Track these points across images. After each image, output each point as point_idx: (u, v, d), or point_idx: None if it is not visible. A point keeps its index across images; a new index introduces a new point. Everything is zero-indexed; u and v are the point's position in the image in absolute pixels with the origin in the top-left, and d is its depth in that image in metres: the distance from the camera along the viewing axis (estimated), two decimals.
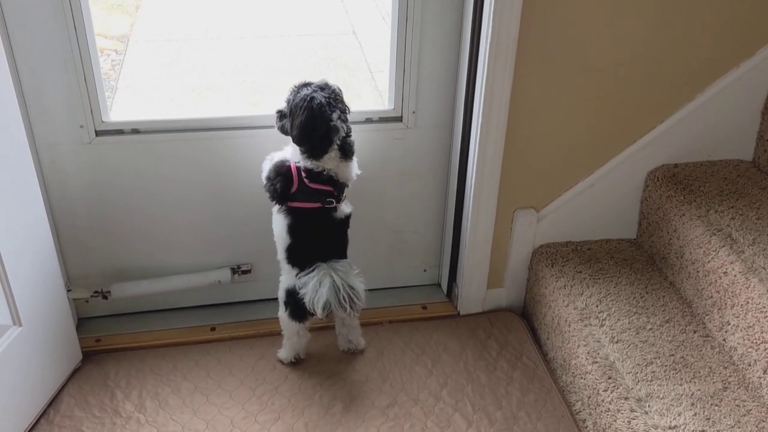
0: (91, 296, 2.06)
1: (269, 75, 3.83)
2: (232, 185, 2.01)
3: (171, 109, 3.51)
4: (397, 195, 2.13)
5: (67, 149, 1.87)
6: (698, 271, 1.84)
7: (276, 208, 1.79)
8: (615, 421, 1.63)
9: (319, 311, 1.71)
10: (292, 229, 1.77)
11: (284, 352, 1.97)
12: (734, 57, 1.93)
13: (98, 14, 4.40)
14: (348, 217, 1.83)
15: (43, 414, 1.81)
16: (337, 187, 1.76)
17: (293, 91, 1.73)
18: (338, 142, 1.71)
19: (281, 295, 1.87)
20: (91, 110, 1.83)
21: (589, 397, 1.76)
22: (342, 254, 1.83)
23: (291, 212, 1.76)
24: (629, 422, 1.59)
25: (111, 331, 2.07)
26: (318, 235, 1.78)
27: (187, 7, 4.72)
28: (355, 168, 1.80)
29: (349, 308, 1.72)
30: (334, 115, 1.68)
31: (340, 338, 2.01)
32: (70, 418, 1.80)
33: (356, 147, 1.95)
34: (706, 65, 1.93)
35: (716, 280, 1.77)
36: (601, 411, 1.69)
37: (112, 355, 1.99)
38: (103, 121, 1.87)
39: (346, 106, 1.75)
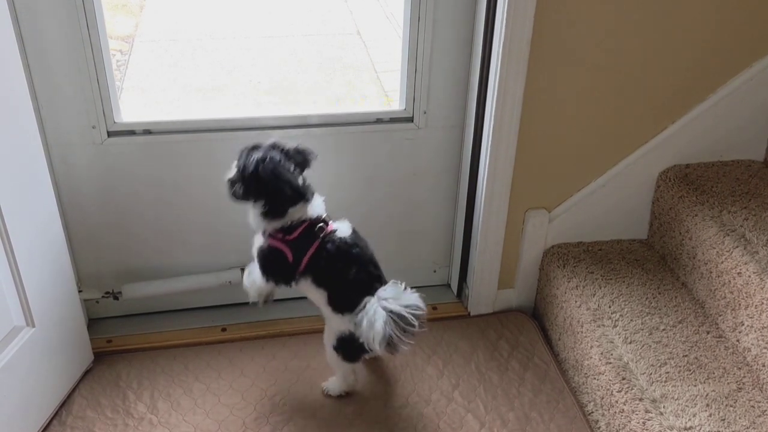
0: (102, 297, 2.06)
1: (274, 75, 3.83)
2: None
3: (177, 110, 3.51)
4: (407, 195, 2.12)
5: (79, 150, 1.87)
6: (711, 272, 1.84)
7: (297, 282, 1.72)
8: (629, 422, 1.63)
9: (379, 349, 1.58)
10: (318, 281, 1.69)
11: (336, 386, 1.87)
12: (746, 57, 1.93)
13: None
14: (355, 231, 1.73)
15: (56, 415, 1.80)
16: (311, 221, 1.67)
17: (241, 156, 1.66)
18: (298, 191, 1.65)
19: (332, 342, 1.75)
20: (104, 111, 1.83)
21: (603, 398, 1.75)
22: (377, 277, 1.70)
23: (306, 271, 1.68)
24: (644, 423, 1.59)
25: (122, 331, 2.07)
26: (350, 269, 1.67)
27: (192, 7, 4.71)
28: (319, 206, 1.71)
29: (413, 330, 1.56)
30: (292, 168, 1.64)
31: None
32: (83, 419, 1.80)
33: (366, 148, 1.95)
34: (718, 65, 1.93)
35: (730, 281, 1.77)
36: (615, 412, 1.69)
37: (123, 356, 1.99)
38: (115, 122, 1.86)
39: (304, 157, 1.68)
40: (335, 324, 1.73)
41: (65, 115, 1.82)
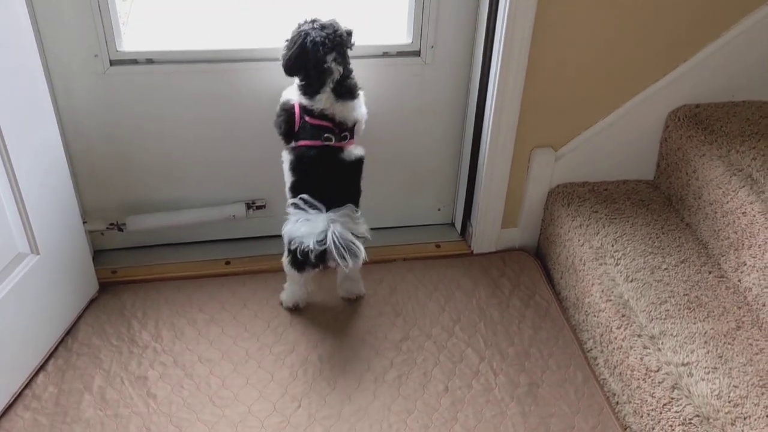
0: (107, 228, 2.07)
1: (284, 5, 3.75)
2: (247, 120, 1.99)
3: (184, 40, 3.45)
4: (412, 132, 2.10)
5: (81, 79, 1.85)
6: (716, 212, 1.83)
7: (284, 145, 1.79)
8: (627, 357, 1.65)
9: (310, 260, 1.68)
10: (295, 167, 1.76)
11: (285, 297, 1.95)
12: None
13: None
14: (360, 161, 1.78)
15: (62, 341, 1.84)
16: (336, 125, 1.73)
17: (297, 26, 1.72)
18: (331, 84, 1.69)
19: (284, 240, 1.78)
20: (106, 39, 1.81)
21: (602, 335, 1.77)
22: (350, 200, 1.78)
23: (295, 150, 1.75)
24: (641, 359, 1.61)
25: (127, 263, 2.09)
26: (322, 175, 1.74)
27: None
28: (358, 109, 1.76)
29: (347, 261, 1.65)
30: (329, 57, 1.67)
31: (339, 286, 1.98)
32: (88, 346, 1.83)
33: (372, 82, 1.93)
34: (731, 3, 1.88)
35: (734, 221, 1.76)
36: (614, 348, 1.71)
37: (128, 287, 2.01)
38: (117, 51, 1.84)
39: (348, 47, 1.71)
40: (291, 217, 1.75)
41: (67, 43, 1.79)
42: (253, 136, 2.01)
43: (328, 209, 1.72)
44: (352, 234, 1.69)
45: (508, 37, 1.82)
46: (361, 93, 1.78)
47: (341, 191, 1.77)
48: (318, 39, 1.66)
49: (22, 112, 1.60)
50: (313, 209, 1.72)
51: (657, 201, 2.05)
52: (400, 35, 1.98)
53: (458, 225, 2.26)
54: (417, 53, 1.98)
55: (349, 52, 1.74)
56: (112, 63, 1.85)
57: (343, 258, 1.65)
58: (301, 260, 1.74)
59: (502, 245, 2.19)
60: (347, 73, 1.72)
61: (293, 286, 1.92)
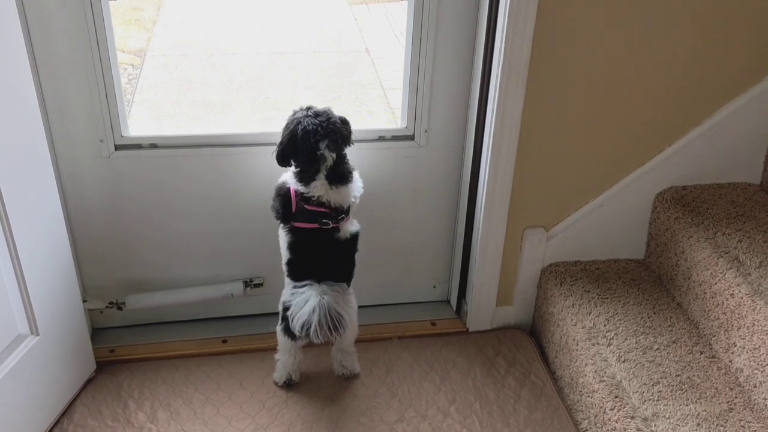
0: (106, 307, 2.10)
1: (283, 91, 3.88)
2: (246, 200, 2.04)
3: (186, 124, 3.56)
4: (407, 212, 2.16)
5: (86, 163, 1.91)
6: (705, 293, 1.86)
7: (280, 225, 1.83)
8: None
9: (297, 330, 1.72)
10: (292, 247, 1.80)
11: (277, 373, 1.97)
12: (742, 82, 1.96)
13: (115, 29, 4.47)
14: (354, 237, 1.83)
15: (57, 423, 1.84)
16: (332, 209, 1.76)
17: (292, 112, 1.77)
18: (325, 171, 1.72)
19: (279, 308, 1.86)
20: (111, 125, 1.88)
21: (596, 416, 1.77)
22: (344, 276, 1.83)
23: (292, 231, 1.79)
24: None
25: (124, 341, 2.11)
26: (317, 254, 1.79)
27: (203, 23, 4.79)
28: (353, 192, 1.80)
29: (330, 333, 1.70)
30: (322, 144, 1.69)
31: (334, 362, 2.00)
32: (84, 427, 1.83)
33: (368, 164, 1.99)
34: (715, 90, 1.96)
35: (723, 302, 1.79)
36: (608, 430, 1.71)
37: (125, 366, 2.02)
38: (122, 136, 1.91)
39: (345, 135, 1.75)
40: (285, 288, 1.84)
41: (74, 129, 1.86)
42: (251, 216, 2.06)
43: (321, 282, 1.77)
44: (339, 307, 1.74)
45: (498, 122, 1.89)
46: (355, 173, 1.82)
47: (336, 266, 1.82)
48: (310, 127, 1.69)
49: (28, 195, 1.65)
50: (307, 281, 1.77)
51: (648, 280, 2.08)
52: (395, 120, 2.06)
53: (454, 302, 2.29)
54: (411, 137, 2.05)
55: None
56: (117, 148, 1.91)
57: (329, 329, 1.70)
58: (292, 329, 1.77)
59: (498, 323, 2.22)
60: (341, 159, 1.75)
61: (284, 356, 1.94)
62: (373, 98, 3.90)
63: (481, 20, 1.87)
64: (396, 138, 2.06)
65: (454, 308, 2.29)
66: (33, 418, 1.76)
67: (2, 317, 1.64)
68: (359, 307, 1.92)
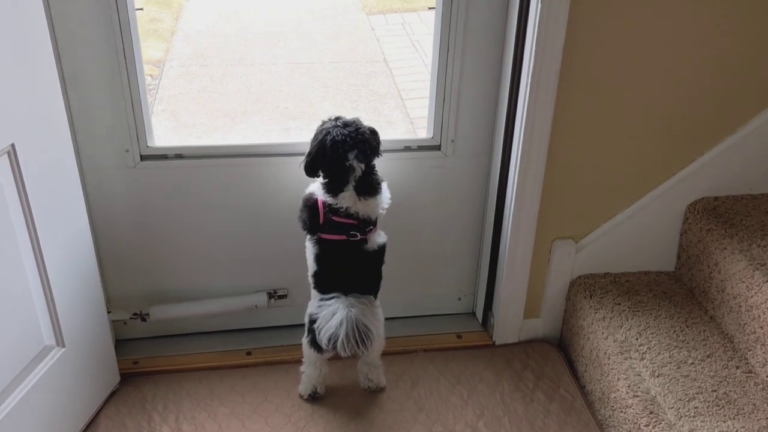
0: (131, 318, 2.08)
1: (301, 101, 3.87)
2: (270, 211, 2.02)
3: (206, 134, 3.56)
4: (434, 223, 2.13)
5: (112, 173, 1.90)
6: (740, 306, 1.82)
7: (307, 236, 1.81)
8: None
9: (323, 342, 1.70)
10: (319, 258, 1.77)
11: (302, 386, 1.95)
12: None
13: None
14: (382, 249, 1.81)
15: None
16: (360, 221, 1.74)
17: (321, 122, 1.75)
18: (354, 182, 1.70)
19: (306, 320, 1.85)
20: (137, 135, 1.87)
21: None
22: (371, 288, 1.81)
23: (319, 242, 1.77)
24: None
25: (148, 353, 2.09)
26: (345, 265, 1.77)
27: (222, 33, 4.80)
28: (381, 204, 1.77)
29: (357, 346, 1.68)
30: (350, 155, 1.67)
31: (360, 375, 1.97)
32: None
33: (393, 175, 1.96)
34: (747, 99, 1.93)
35: (759, 315, 1.75)
36: None
37: (149, 378, 2.00)
38: (148, 146, 1.90)
39: (374, 145, 1.74)
40: (312, 300, 1.82)
41: (100, 139, 1.85)
42: (276, 227, 2.04)
43: (348, 294, 1.75)
44: (367, 320, 1.72)
45: (527, 132, 1.86)
46: (384, 184, 1.80)
47: (363, 278, 1.80)
48: (339, 137, 1.67)
49: (55, 206, 1.64)
50: (334, 293, 1.75)
51: (679, 293, 2.05)
52: (422, 130, 2.04)
53: (479, 315, 2.26)
54: (438, 147, 2.02)
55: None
56: (143, 158, 1.90)
57: (356, 343, 1.67)
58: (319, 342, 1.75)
59: (525, 336, 2.18)
60: (369, 170, 1.73)
61: (309, 369, 1.91)
62: (392, 108, 3.89)
63: (510, 28, 1.85)
64: (422, 148, 2.03)
65: (480, 321, 2.26)
66: (59, 431, 1.74)
67: (29, 329, 1.63)
68: (384, 319, 1.89)
